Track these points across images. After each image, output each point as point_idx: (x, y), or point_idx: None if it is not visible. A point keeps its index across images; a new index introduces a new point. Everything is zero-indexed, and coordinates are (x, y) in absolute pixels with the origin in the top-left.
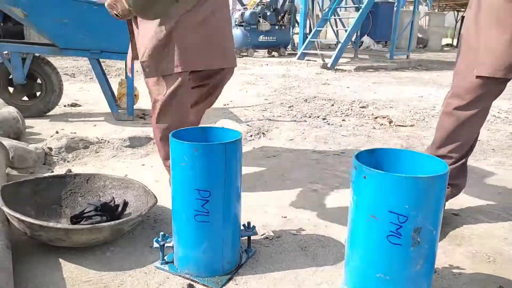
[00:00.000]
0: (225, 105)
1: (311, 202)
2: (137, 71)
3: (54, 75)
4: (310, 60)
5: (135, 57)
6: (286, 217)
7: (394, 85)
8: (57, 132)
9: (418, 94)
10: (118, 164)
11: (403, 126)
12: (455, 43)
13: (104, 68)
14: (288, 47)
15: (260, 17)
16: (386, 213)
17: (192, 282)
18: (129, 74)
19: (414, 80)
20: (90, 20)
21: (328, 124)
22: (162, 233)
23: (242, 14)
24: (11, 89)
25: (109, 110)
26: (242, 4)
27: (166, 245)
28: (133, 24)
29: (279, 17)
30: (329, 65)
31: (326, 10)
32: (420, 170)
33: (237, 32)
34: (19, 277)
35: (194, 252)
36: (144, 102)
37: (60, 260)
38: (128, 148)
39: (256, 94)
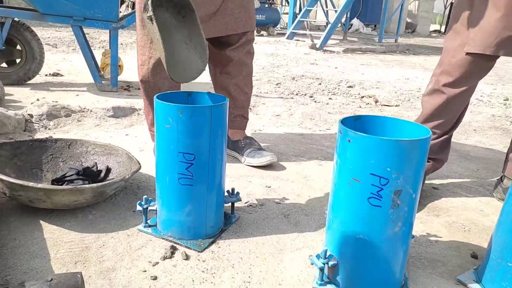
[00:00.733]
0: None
1: (295, 173)
2: (121, 44)
3: (35, 41)
4: (299, 40)
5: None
6: (270, 187)
7: (382, 67)
8: (38, 100)
9: (405, 77)
10: (101, 134)
11: (388, 105)
12: (443, 30)
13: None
14: (277, 26)
15: None
16: (368, 175)
17: (174, 244)
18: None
19: (401, 63)
20: None
21: (315, 101)
22: (145, 196)
23: None
24: None
25: (92, 81)
26: None
27: (149, 208)
28: None
29: None
30: (318, 46)
31: None
32: (403, 136)
33: None
34: None
35: (178, 215)
36: (128, 73)
37: (41, 221)
38: (111, 118)
39: None
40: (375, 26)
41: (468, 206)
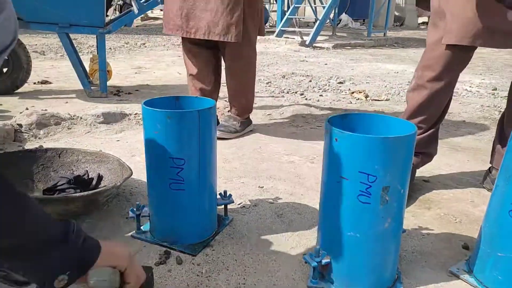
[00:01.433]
0: None
1: (288, 172)
2: (110, 48)
3: (21, 50)
4: (288, 37)
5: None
6: (262, 187)
7: (371, 61)
8: (27, 109)
9: (394, 70)
10: (92, 140)
11: (378, 100)
12: None
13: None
14: (266, 24)
15: None
16: (356, 173)
17: (168, 249)
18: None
19: (391, 57)
20: None
21: (306, 99)
22: (138, 203)
23: None
24: None
25: (81, 87)
26: None
27: (142, 214)
28: None
29: None
30: (307, 43)
31: None
32: (390, 132)
33: None
34: None
35: (170, 220)
36: (117, 79)
37: None
38: (102, 124)
39: None
40: (363, 20)
41: (458, 197)
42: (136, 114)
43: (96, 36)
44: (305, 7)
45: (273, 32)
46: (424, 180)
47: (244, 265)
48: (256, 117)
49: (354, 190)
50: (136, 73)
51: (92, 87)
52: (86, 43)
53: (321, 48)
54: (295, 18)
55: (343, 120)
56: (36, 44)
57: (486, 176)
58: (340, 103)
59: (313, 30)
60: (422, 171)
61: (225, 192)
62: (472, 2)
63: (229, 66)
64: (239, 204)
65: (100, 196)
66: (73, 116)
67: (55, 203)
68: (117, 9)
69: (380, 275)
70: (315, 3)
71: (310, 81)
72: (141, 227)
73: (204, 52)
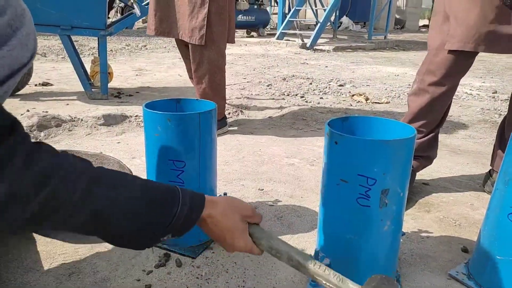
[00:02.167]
0: None
1: (288, 175)
2: (111, 50)
3: None
4: (289, 40)
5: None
6: (262, 189)
7: (372, 64)
8: (28, 111)
9: (395, 73)
10: (93, 142)
11: (379, 103)
12: None
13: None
14: (267, 27)
15: None
16: (356, 176)
17: (168, 252)
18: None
19: (391, 60)
20: None
21: (306, 101)
22: None
23: None
24: None
25: (82, 89)
26: None
27: None
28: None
29: None
30: (308, 45)
31: None
32: (390, 136)
33: None
34: None
35: None
36: (118, 81)
37: (34, 235)
38: (103, 126)
39: (235, 73)
40: (364, 23)
41: (458, 200)
42: (136, 116)
43: (98, 38)
44: (306, 10)
45: (274, 34)
46: (423, 183)
47: (244, 267)
48: (257, 119)
49: (354, 193)
50: (137, 75)
51: (93, 89)
52: (87, 45)
53: (321, 50)
54: (296, 20)
55: (343, 123)
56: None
57: (487, 179)
58: (340, 106)
59: (314, 32)
60: (422, 174)
61: (225, 194)
62: (476, 6)
63: (195, 69)
64: None
65: None
66: (74, 118)
67: None
68: (118, 11)
69: None
70: (316, 6)
71: (311, 83)
72: None
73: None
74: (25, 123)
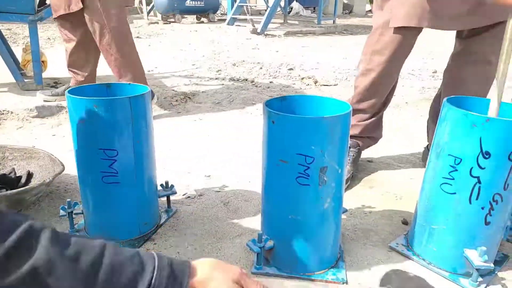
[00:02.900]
0: (149, 71)
1: (235, 160)
2: (48, 38)
3: None
4: (240, 25)
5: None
6: (209, 176)
7: (321, 48)
8: None
9: (343, 57)
10: (25, 136)
11: (327, 85)
12: None
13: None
14: (217, 12)
15: None
16: (294, 155)
17: None
18: None
19: (340, 44)
20: None
21: (256, 86)
22: (68, 200)
23: None
24: None
25: (13, 80)
26: None
27: (74, 212)
28: None
29: None
30: (259, 30)
31: None
32: (327, 113)
33: None
34: None
35: (106, 216)
36: (54, 69)
37: None
38: (36, 119)
39: (184, 60)
40: (314, 8)
41: (399, 175)
42: None
43: (28, 24)
44: None
45: (224, 20)
46: (368, 160)
47: (187, 256)
48: (206, 105)
49: (293, 172)
50: None
51: (26, 80)
52: (21, 33)
53: (272, 35)
54: (247, 5)
55: (281, 103)
56: None
57: (425, 154)
58: (290, 89)
59: (264, 17)
60: (366, 152)
61: (166, 182)
62: None
63: (98, 41)
64: (183, 194)
65: (27, 195)
66: (3, 111)
67: None
68: None
69: (322, 255)
70: None
71: (261, 68)
72: (75, 226)
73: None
74: None
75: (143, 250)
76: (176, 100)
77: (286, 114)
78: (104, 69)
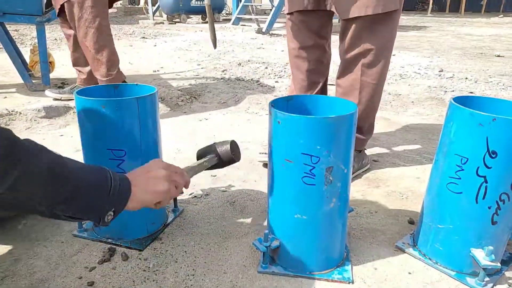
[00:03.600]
0: (155, 71)
1: (242, 160)
2: (55, 39)
3: None
4: (245, 25)
5: None
6: (215, 175)
7: None
8: None
9: None
10: (33, 137)
11: (332, 85)
12: None
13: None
14: (222, 12)
15: None
16: (300, 155)
17: (113, 246)
18: None
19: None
20: None
21: (261, 86)
22: None
23: None
24: None
25: (22, 81)
26: None
27: None
28: None
29: None
30: (264, 30)
31: None
32: (333, 113)
33: None
34: None
35: None
36: (63, 71)
37: None
38: (44, 119)
39: (189, 60)
40: None
41: (406, 175)
42: None
43: (36, 26)
44: None
45: (229, 20)
46: (373, 159)
47: (194, 255)
48: (211, 105)
49: (299, 172)
50: None
51: (34, 80)
52: (29, 34)
53: (278, 35)
54: (252, 5)
55: (288, 103)
56: None
57: None
58: None
59: (270, 17)
60: (372, 151)
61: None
62: None
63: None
64: (190, 194)
65: None
66: (12, 111)
67: None
68: None
69: (329, 255)
70: None
71: (266, 68)
72: (83, 225)
73: None
74: None
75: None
76: (182, 100)
77: (291, 114)
78: None
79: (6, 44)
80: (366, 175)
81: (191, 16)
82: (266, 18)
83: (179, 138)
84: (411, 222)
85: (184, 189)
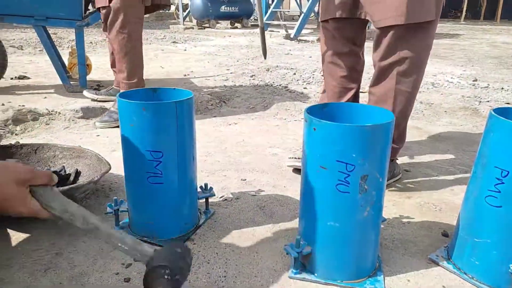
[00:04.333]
0: (185, 75)
1: (271, 165)
2: (91, 42)
3: None
4: (273, 31)
5: None
6: (245, 180)
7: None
8: (3, 105)
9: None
10: (71, 136)
11: (362, 92)
12: None
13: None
14: (251, 17)
15: None
16: (334, 162)
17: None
18: None
19: None
20: None
21: (290, 92)
22: (115, 198)
23: None
24: None
25: (60, 82)
26: None
27: (120, 209)
28: None
29: None
30: (292, 36)
31: None
32: (369, 121)
33: (197, 2)
34: None
35: (149, 214)
36: (98, 73)
37: (8, 230)
38: (81, 119)
39: (218, 64)
40: None
41: (438, 185)
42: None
43: (75, 29)
44: (289, 0)
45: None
46: (405, 169)
47: (225, 257)
48: (240, 110)
49: (333, 180)
50: None
51: (71, 82)
52: (66, 37)
53: (306, 41)
54: (280, 11)
55: (322, 110)
56: (14, 39)
57: None
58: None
59: (298, 23)
60: (403, 161)
61: (205, 185)
62: None
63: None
64: (221, 197)
65: (77, 192)
66: (51, 111)
67: None
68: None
69: (360, 264)
70: None
71: (294, 74)
72: (120, 223)
73: None
74: None
75: None
76: (212, 104)
77: (327, 121)
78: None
79: (48, 47)
80: (398, 185)
81: (220, 21)
82: (295, 24)
83: (209, 142)
84: (445, 234)
85: (215, 192)
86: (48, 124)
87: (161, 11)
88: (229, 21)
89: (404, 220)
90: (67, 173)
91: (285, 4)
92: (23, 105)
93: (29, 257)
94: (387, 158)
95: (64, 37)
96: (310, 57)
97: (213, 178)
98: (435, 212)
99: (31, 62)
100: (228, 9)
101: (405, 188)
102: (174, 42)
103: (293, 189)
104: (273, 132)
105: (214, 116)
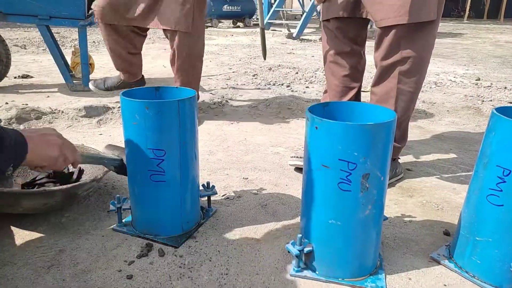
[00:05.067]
0: None
1: (273, 163)
2: (93, 41)
3: (0, 44)
4: (275, 30)
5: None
6: (247, 178)
7: None
8: (6, 103)
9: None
10: (74, 134)
11: (364, 91)
12: None
13: (59, 39)
14: (253, 17)
15: None
16: (336, 161)
17: (150, 242)
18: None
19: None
20: None
21: (292, 91)
22: (118, 195)
23: None
24: None
25: (63, 81)
26: None
27: (123, 207)
28: None
29: None
30: (294, 35)
31: None
32: (370, 120)
33: None
34: None
35: (152, 212)
36: (101, 72)
37: (12, 227)
38: (84, 118)
39: (220, 63)
40: None
41: (441, 185)
42: (119, 107)
43: (78, 29)
44: (292, 0)
45: None
46: (407, 168)
47: (227, 255)
48: (242, 109)
49: (335, 178)
50: None
51: (74, 81)
52: (69, 36)
53: (308, 40)
54: (282, 10)
55: (324, 109)
56: (17, 38)
57: None
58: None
59: (300, 22)
60: (405, 160)
61: (208, 183)
62: None
63: (178, 58)
64: (223, 195)
65: (80, 190)
66: (55, 110)
67: (34, 198)
68: None
69: (362, 262)
70: None
71: (297, 73)
72: (123, 220)
73: None
74: (3, 115)
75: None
76: (214, 103)
77: (329, 120)
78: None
79: (51, 46)
80: (400, 184)
81: (223, 20)
82: (297, 23)
83: (211, 141)
84: (446, 233)
85: (217, 190)
86: (51, 122)
87: None
88: (231, 21)
89: (406, 219)
90: (70, 171)
91: (288, 3)
92: (27, 104)
93: (33, 254)
94: (388, 157)
95: (67, 36)
96: (313, 56)
97: (215, 176)
98: (437, 211)
99: (34, 61)
100: (230, 8)
101: (407, 187)
102: None
103: (294, 187)
104: (275, 131)
105: (216, 115)
